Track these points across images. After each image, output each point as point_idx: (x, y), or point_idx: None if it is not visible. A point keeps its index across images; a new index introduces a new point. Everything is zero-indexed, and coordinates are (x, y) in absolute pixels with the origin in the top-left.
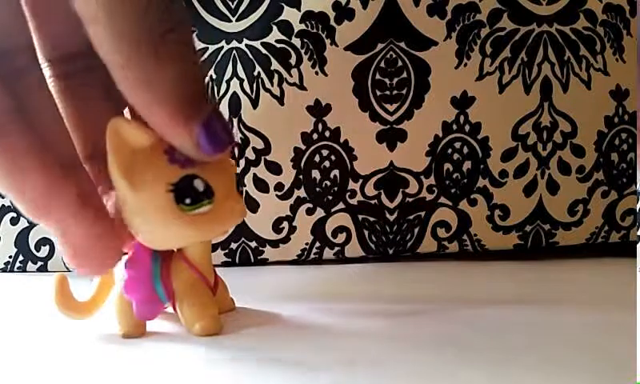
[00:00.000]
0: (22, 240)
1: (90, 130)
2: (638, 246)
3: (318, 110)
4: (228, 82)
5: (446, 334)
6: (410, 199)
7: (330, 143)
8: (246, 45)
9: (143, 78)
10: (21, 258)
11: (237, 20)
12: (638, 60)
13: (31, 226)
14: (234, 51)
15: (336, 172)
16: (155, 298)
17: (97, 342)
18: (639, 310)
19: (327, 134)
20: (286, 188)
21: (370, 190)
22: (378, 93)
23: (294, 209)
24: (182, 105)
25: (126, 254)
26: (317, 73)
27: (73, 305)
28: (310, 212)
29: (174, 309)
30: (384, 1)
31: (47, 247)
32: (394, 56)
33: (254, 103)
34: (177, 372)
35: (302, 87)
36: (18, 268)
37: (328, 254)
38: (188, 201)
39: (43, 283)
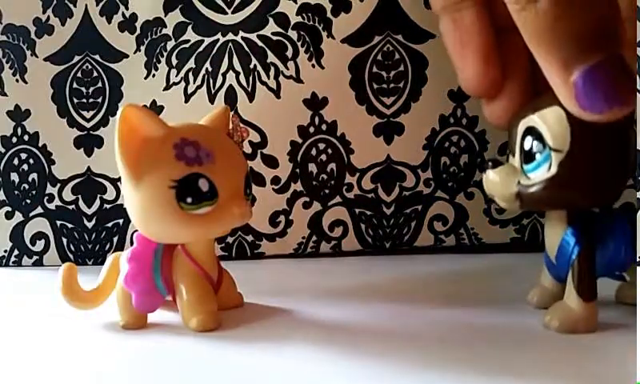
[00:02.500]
0: (17, 234)
1: None
2: (638, 239)
3: (315, 103)
4: (224, 74)
5: (443, 329)
6: (407, 193)
7: (326, 136)
8: (242, 37)
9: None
10: (16, 252)
11: (233, 12)
12: None
13: (26, 220)
14: (230, 44)
15: (333, 165)
16: (155, 291)
17: (96, 332)
18: (639, 310)
19: (324, 127)
20: (282, 182)
21: (366, 183)
22: (375, 86)
23: (290, 202)
24: (569, 45)
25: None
26: (313, 66)
27: (79, 294)
28: (306, 206)
29: (175, 302)
30: None
31: (42, 241)
32: (391, 49)
33: (250, 96)
34: (174, 364)
35: (298, 80)
36: (13, 262)
37: (325, 247)
38: (189, 200)
39: (39, 277)
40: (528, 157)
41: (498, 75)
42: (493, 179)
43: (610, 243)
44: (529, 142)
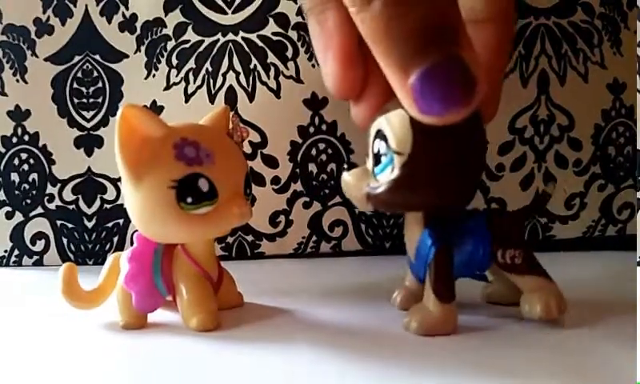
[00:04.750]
0: (17, 234)
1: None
2: (638, 239)
3: (315, 103)
4: (224, 74)
5: None
6: None
7: (326, 137)
8: (242, 37)
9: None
10: (16, 252)
11: (233, 12)
12: None
13: (26, 220)
14: (230, 44)
15: (333, 165)
16: (155, 291)
17: (96, 332)
18: (639, 310)
19: (324, 127)
20: (282, 182)
21: None
22: None
23: (290, 202)
24: (404, 47)
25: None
26: (313, 66)
27: (79, 294)
28: (306, 205)
29: (175, 302)
30: None
31: (43, 241)
32: None
33: (251, 96)
34: (174, 364)
35: (298, 80)
36: (13, 262)
37: (325, 247)
38: (189, 200)
39: (39, 277)
40: (376, 159)
41: (358, 78)
42: (347, 181)
43: (468, 244)
44: (377, 145)
